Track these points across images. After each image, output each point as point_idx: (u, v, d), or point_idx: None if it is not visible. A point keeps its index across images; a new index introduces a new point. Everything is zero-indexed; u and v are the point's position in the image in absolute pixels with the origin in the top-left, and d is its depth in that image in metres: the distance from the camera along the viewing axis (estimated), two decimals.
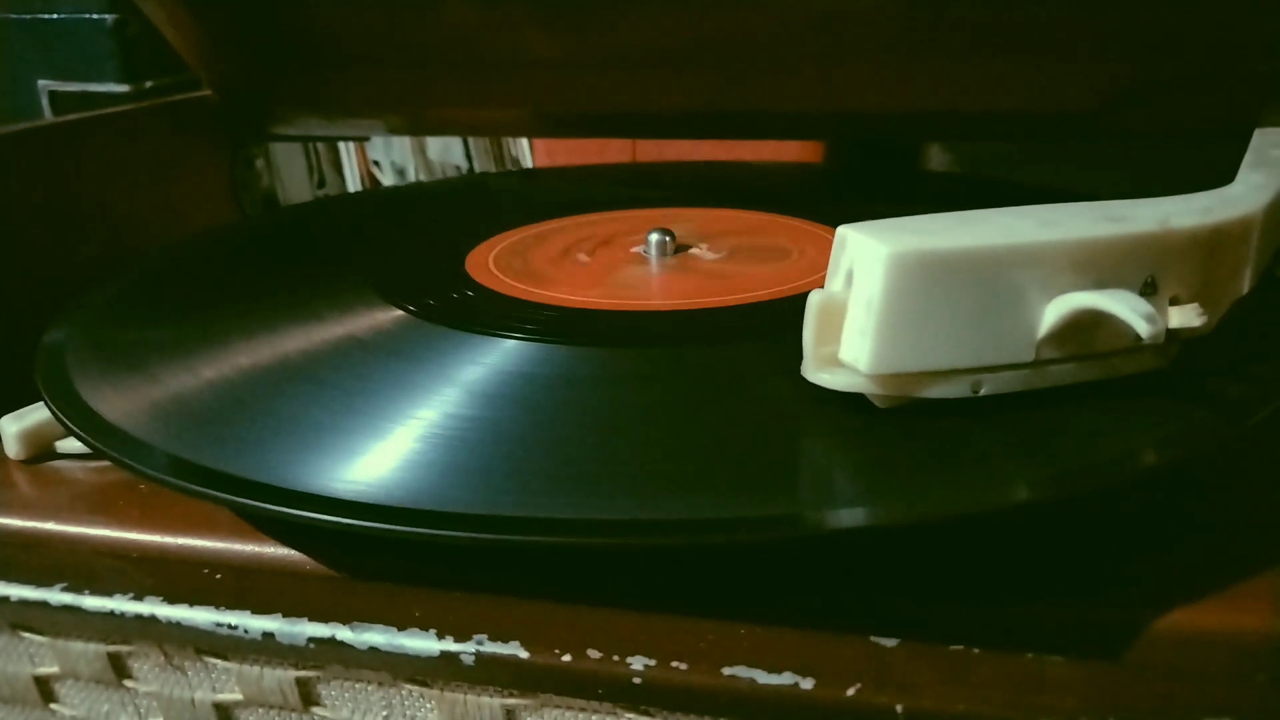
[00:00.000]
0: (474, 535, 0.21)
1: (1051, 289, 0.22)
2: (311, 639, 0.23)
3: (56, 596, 0.25)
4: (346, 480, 0.23)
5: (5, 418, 0.30)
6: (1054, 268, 0.22)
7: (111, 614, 0.24)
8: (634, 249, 0.36)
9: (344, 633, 0.22)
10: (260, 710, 0.24)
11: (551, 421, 0.25)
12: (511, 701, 0.22)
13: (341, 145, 0.63)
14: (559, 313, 0.30)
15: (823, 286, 0.24)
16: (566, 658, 0.21)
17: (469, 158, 0.64)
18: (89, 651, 0.25)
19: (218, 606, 0.23)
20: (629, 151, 0.56)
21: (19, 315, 0.34)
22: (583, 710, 0.22)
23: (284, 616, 0.23)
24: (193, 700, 0.25)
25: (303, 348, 0.29)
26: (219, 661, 0.24)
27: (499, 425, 0.24)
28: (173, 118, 0.47)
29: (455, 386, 0.26)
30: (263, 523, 0.25)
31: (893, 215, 0.23)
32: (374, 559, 0.24)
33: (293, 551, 0.25)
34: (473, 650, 0.21)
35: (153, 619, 0.24)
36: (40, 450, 0.30)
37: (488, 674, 0.22)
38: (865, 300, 0.22)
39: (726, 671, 0.20)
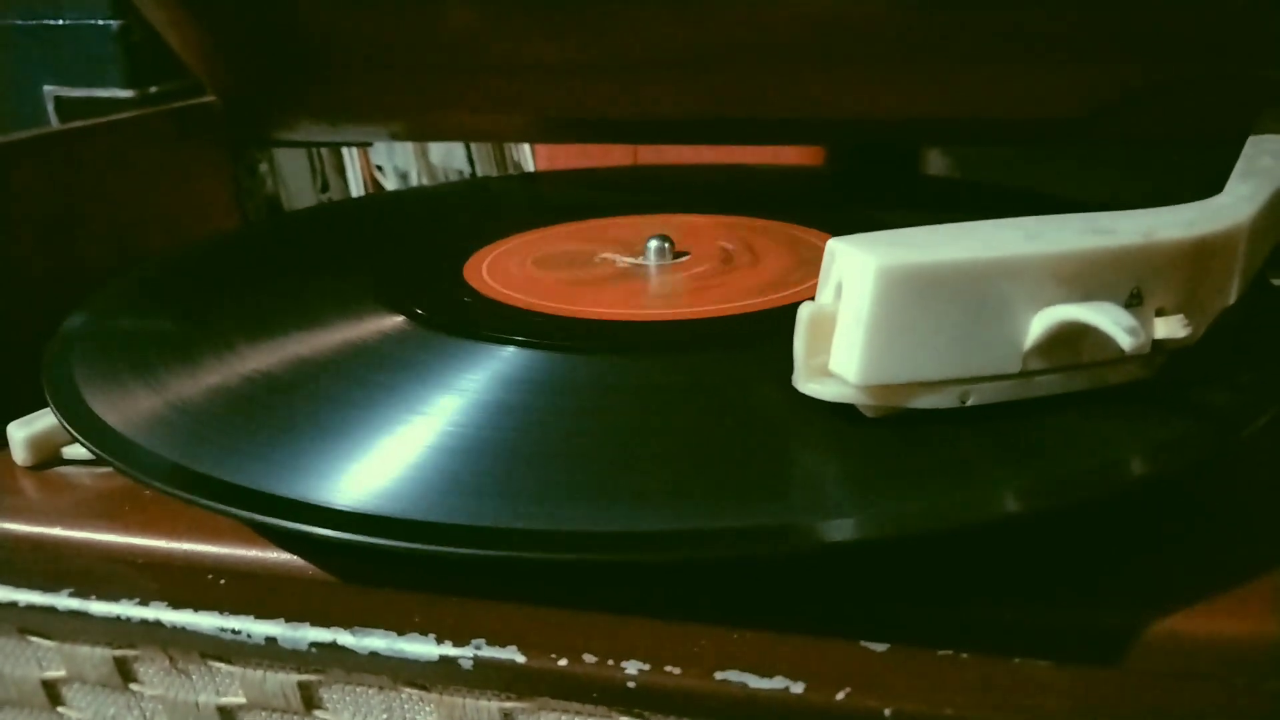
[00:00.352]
0: (468, 551, 0.21)
1: (1037, 301, 0.23)
2: (313, 644, 0.23)
3: (63, 601, 0.25)
4: (347, 489, 0.23)
5: (12, 424, 0.30)
6: (1040, 280, 0.23)
7: (117, 619, 0.25)
8: (632, 255, 0.36)
9: (345, 637, 0.23)
10: (263, 714, 0.25)
11: (547, 430, 0.25)
12: (509, 705, 0.22)
13: (345, 150, 0.64)
14: (554, 321, 0.31)
15: (814, 298, 0.24)
16: (563, 662, 0.21)
17: (471, 162, 0.65)
18: (95, 655, 0.26)
19: (221, 612, 0.24)
20: (630, 156, 0.56)
21: (25, 321, 0.34)
22: (579, 713, 0.22)
23: (286, 621, 0.23)
24: (197, 704, 0.25)
25: (304, 355, 0.29)
26: (223, 665, 0.25)
27: (495, 433, 0.25)
28: (177, 123, 0.47)
29: (450, 395, 0.26)
30: (265, 530, 0.26)
31: (891, 220, 0.24)
32: (374, 565, 0.24)
33: (295, 557, 0.25)
34: (471, 654, 0.22)
35: (158, 624, 0.24)
36: (47, 456, 0.30)
37: (486, 678, 0.22)
38: (854, 312, 0.22)
39: (719, 676, 0.21)
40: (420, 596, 0.23)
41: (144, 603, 0.25)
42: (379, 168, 0.66)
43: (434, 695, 0.23)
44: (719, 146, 0.52)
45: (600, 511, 0.22)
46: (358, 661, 0.23)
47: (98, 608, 0.25)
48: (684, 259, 0.36)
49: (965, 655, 0.21)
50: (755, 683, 0.20)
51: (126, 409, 0.28)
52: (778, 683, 0.20)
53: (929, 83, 0.42)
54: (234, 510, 0.23)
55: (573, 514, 0.22)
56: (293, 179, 0.60)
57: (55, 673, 0.26)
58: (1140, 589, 0.22)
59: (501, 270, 0.35)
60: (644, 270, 0.35)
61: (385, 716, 0.24)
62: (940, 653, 0.21)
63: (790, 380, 0.24)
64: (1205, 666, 0.21)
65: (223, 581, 0.25)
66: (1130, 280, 0.23)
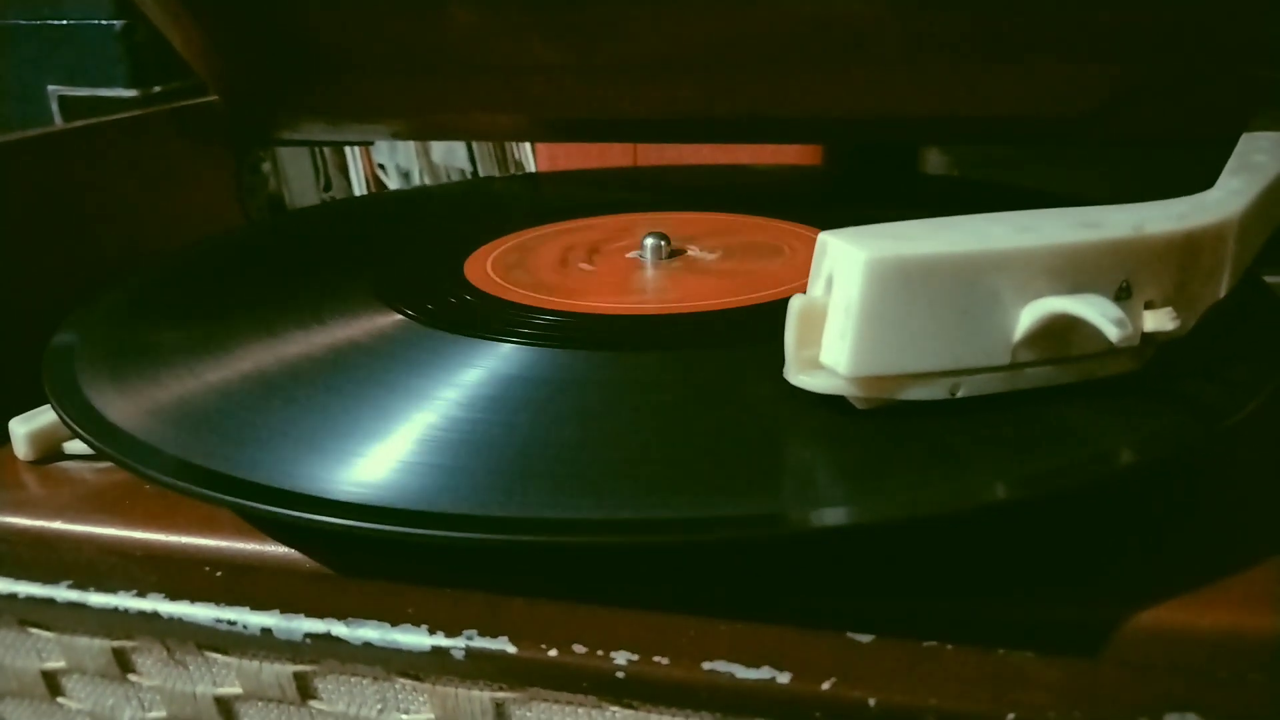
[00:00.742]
0: (468, 536, 0.22)
1: (1027, 294, 0.23)
2: (308, 634, 0.23)
3: (63, 593, 0.25)
4: (344, 482, 0.23)
5: (14, 420, 0.31)
6: (1029, 273, 0.23)
7: (116, 610, 0.25)
8: (630, 253, 0.36)
9: (339, 628, 0.23)
10: (259, 704, 0.25)
11: (544, 424, 0.25)
12: (501, 695, 0.23)
13: (347, 149, 0.64)
14: (551, 318, 0.31)
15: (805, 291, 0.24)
16: (553, 653, 0.22)
17: (473, 161, 0.65)
18: (94, 647, 0.26)
19: (218, 603, 0.24)
20: (630, 155, 0.57)
21: (28, 318, 0.35)
22: (569, 703, 0.22)
23: (281, 613, 0.24)
24: (194, 694, 0.25)
25: (304, 352, 0.30)
26: (219, 656, 0.25)
27: (493, 428, 0.25)
28: (180, 122, 0.47)
29: (450, 390, 0.26)
30: (262, 523, 0.26)
31: (889, 219, 0.24)
32: (368, 558, 0.25)
33: (290, 550, 0.25)
34: (463, 645, 0.22)
35: (155, 615, 0.24)
36: (48, 451, 0.31)
37: (477, 668, 0.22)
38: (844, 305, 0.23)
39: (706, 666, 0.21)
40: (413, 588, 0.24)
41: (142, 595, 0.25)
42: (381, 166, 0.66)
43: (427, 685, 0.23)
44: (718, 146, 0.53)
45: (596, 499, 0.22)
46: (351, 652, 0.23)
47: (96, 599, 0.25)
48: (681, 256, 0.36)
49: (951, 647, 0.21)
50: (742, 673, 0.20)
51: (126, 404, 0.28)
52: (764, 673, 0.20)
53: (928, 82, 0.42)
54: (236, 500, 0.23)
55: (568, 502, 0.22)
56: (295, 178, 0.60)
57: (55, 663, 0.27)
58: (1125, 582, 0.22)
59: (501, 268, 0.36)
60: (641, 267, 0.35)
61: (379, 706, 0.24)
62: (926, 644, 0.21)
63: (782, 373, 0.24)
64: (1189, 658, 0.21)
65: (219, 574, 0.25)
66: (1120, 273, 0.23)
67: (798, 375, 0.24)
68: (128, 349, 0.32)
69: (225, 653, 0.25)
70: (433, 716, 0.23)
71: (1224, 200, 0.26)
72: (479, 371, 0.27)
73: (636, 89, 0.46)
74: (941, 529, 0.24)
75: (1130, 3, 0.37)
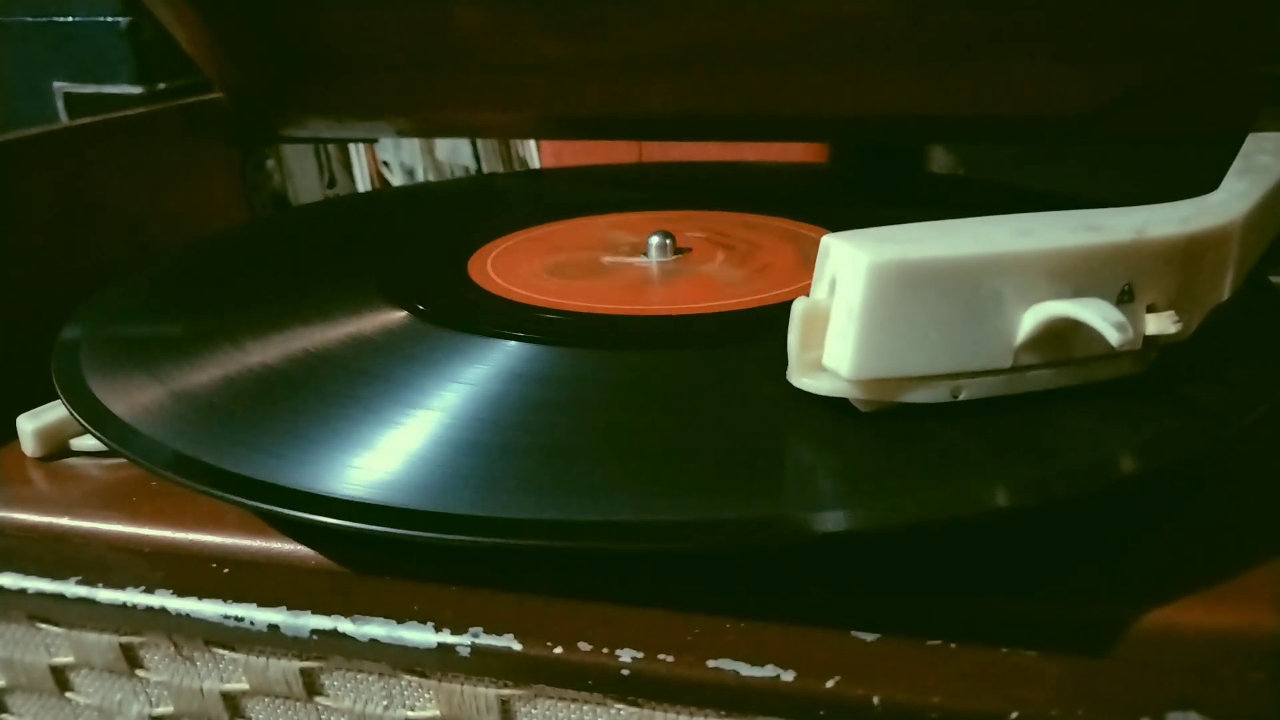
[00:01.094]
0: (470, 539, 0.22)
1: (1029, 297, 0.23)
2: (314, 631, 0.23)
3: (72, 589, 0.25)
4: (350, 480, 0.24)
5: (22, 416, 0.31)
6: (1031, 276, 0.23)
7: (124, 606, 0.25)
8: (635, 252, 0.36)
9: (345, 625, 0.23)
10: (266, 700, 0.25)
11: (547, 423, 0.25)
12: (506, 692, 0.23)
13: (351, 146, 0.64)
14: (554, 316, 0.31)
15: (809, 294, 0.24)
16: (558, 650, 0.22)
17: (477, 158, 0.65)
18: (102, 642, 0.26)
19: (225, 599, 0.24)
20: (634, 153, 0.57)
21: (35, 315, 0.35)
22: (574, 700, 0.22)
23: (288, 609, 0.24)
24: (201, 690, 0.26)
25: (309, 348, 0.30)
26: (226, 652, 0.25)
27: (495, 427, 0.25)
28: (185, 119, 0.47)
29: (453, 388, 0.27)
30: (268, 519, 0.26)
31: (894, 217, 0.24)
32: (374, 555, 0.25)
33: (297, 546, 0.26)
34: (469, 642, 0.22)
35: (163, 611, 0.25)
36: (56, 448, 0.31)
37: (483, 665, 0.22)
38: (847, 308, 0.23)
39: (711, 664, 0.21)
40: (419, 586, 0.24)
41: (150, 591, 0.25)
42: (385, 163, 0.67)
43: (433, 682, 0.23)
44: (723, 144, 0.53)
45: (599, 502, 0.22)
46: (358, 649, 0.23)
47: (105, 595, 0.25)
48: (685, 255, 0.36)
49: (954, 645, 0.21)
50: (746, 671, 0.21)
51: (134, 400, 0.28)
52: (768, 671, 0.21)
53: (932, 80, 0.42)
54: (241, 499, 0.23)
55: (573, 504, 0.22)
56: (300, 174, 0.61)
57: (64, 659, 0.27)
58: (1127, 581, 0.22)
59: (505, 266, 0.36)
60: (646, 266, 0.35)
61: (385, 703, 0.24)
62: (929, 643, 0.21)
63: (785, 375, 0.24)
64: (1191, 657, 0.21)
65: (226, 570, 0.26)
66: (1122, 276, 0.24)
67: (800, 377, 0.24)
68: (135, 344, 0.32)
69: (232, 649, 0.25)
70: (438, 713, 0.24)
71: (1228, 203, 0.26)
72: (481, 369, 0.27)
73: (642, 86, 0.46)
74: (944, 530, 0.24)
75: (1135, 2, 0.37)
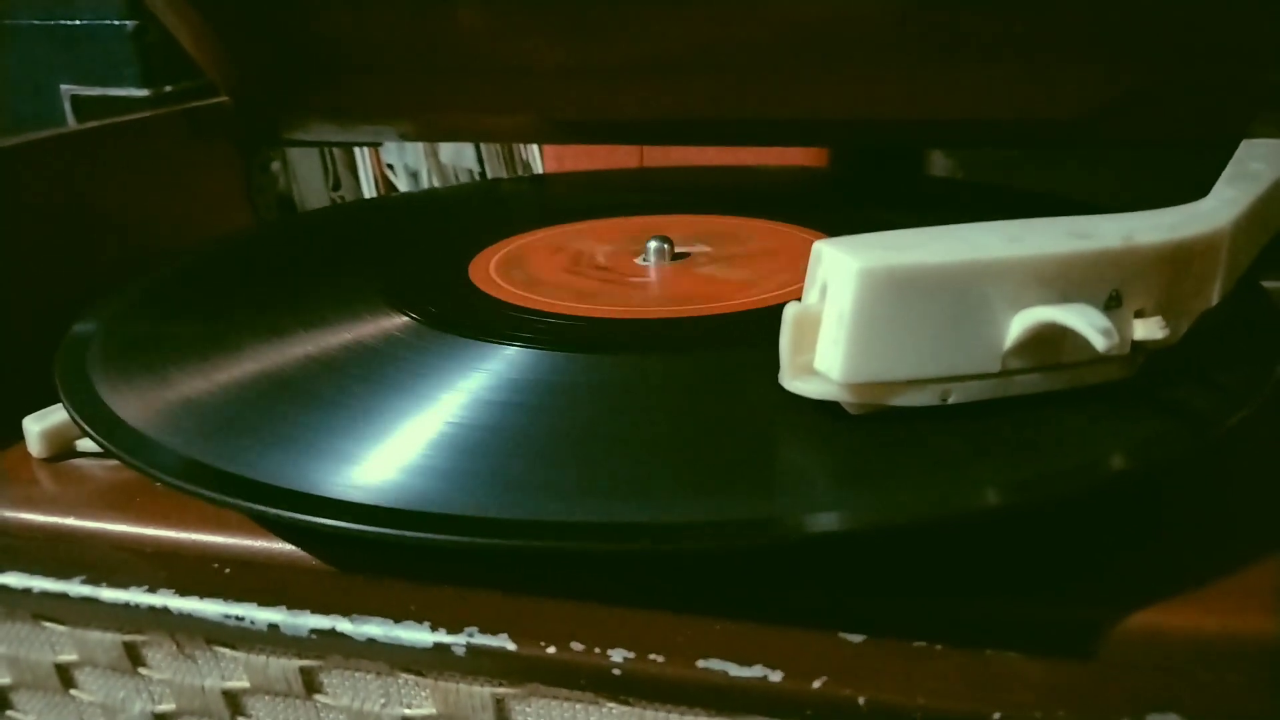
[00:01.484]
0: (469, 540, 0.22)
1: (1017, 303, 0.23)
2: (313, 630, 0.24)
3: (76, 589, 0.26)
4: (350, 484, 0.24)
5: (28, 418, 0.31)
6: (1019, 282, 0.23)
7: (127, 605, 0.25)
8: (634, 256, 0.37)
9: (344, 624, 0.24)
10: (266, 697, 0.26)
11: (546, 427, 0.26)
12: (500, 691, 0.23)
13: (356, 149, 0.65)
14: (555, 321, 0.31)
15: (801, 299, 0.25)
16: (551, 650, 0.22)
17: (481, 161, 0.65)
18: (106, 641, 0.26)
19: (226, 599, 0.25)
20: (636, 157, 0.57)
21: (41, 318, 0.35)
22: (567, 699, 0.23)
23: (288, 609, 0.24)
24: (203, 688, 0.26)
25: (311, 353, 0.30)
26: (227, 651, 0.25)
27: (497, 431, 0.26)
28: (191, 122, 0.48)
29: (454, 393, 0.27)
30: (269, 522, 0.27)
31: (894, 221, 0.24)
32: (372, 556, 0.25)
33: (297, 548, 0.26)
34: (464, 642, 0.23)
35: (165, 610, 0.25)
36: (61, 449, 0.31)
37: (478, 664, 0.23)
38: (838, 312, 0.23)
39: (701, 664, 0.21)
40: (416, 586, 0.24)
41: (152, 590, 0.25)
42: (390, 167, 0.67)
43: (429, 680, 0.24)
44: (724, 148, 0.53)
45: (594, 505, 0.23)
46: (356, 648, 0.24)
47: (108, 595, 0.26)
48: (685, 259, 0.36)
49: (940, 647, 0.21)
50: (735, 671, 0.21)
51: (137, 404, 0.28)
52: (756, 671, 0.21)
53: (932, 84, 0.43)
54: (236, 501, 0.24)
55: (569, 507, 0.23)
56: (305, 177, 0.61)
57: (67, 657, 0.27)
58: (1110, 584, 0.22)
59: (506, 270, 0.36)
60: (646, 270, 0.36)
61: (383, 701, 0.24)
62: (915, 644, 0.21)
63: (777, 378, 0.24)
64: (1171, 660, 0.21)
65: (227, 571, 0.26)
66: (1109, 283, 0.24)
67: (792, 381, 0.24)
68: (139, 348, 0.32)
69: (233, 647, 0.25)
70: (435, 711, 0.24)
71: (1217, 210, 0.27)
72: (483, 374, 0.28)
73: (644, 91, 0.46)
74: (931, 532, 0.24)
75: (1134, 5, 0.37)
